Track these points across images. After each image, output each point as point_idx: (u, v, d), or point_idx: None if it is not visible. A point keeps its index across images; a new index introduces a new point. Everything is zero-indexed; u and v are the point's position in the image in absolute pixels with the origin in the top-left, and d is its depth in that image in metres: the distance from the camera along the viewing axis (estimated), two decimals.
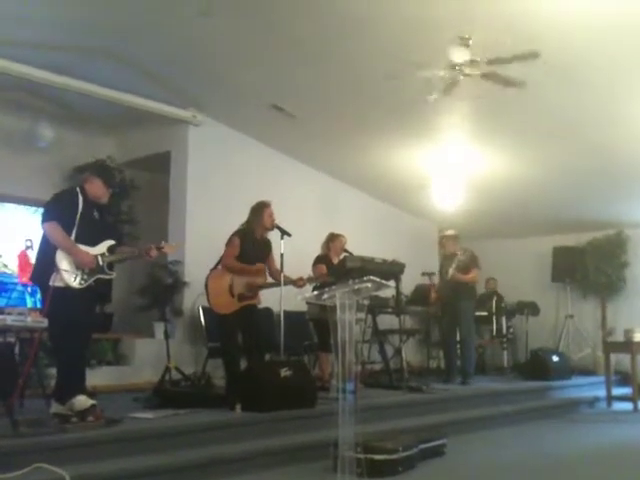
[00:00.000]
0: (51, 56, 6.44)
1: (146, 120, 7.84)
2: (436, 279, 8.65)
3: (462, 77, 5.70)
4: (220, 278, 5.81)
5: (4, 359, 4.71)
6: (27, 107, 7.52)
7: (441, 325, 8.32)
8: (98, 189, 4.81)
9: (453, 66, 5.61)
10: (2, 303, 7.09)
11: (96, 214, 4.80)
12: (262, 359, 5.90)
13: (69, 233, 4.57)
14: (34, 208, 7.38)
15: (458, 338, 7.92)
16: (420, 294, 8.98)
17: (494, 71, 5.54)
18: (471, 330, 7.82)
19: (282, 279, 5.77)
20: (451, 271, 7.56)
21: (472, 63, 5.56)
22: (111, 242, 4.81)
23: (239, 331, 5.79)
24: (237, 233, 5.92)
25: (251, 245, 5.88)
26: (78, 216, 4.62)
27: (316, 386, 5.81)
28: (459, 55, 5.47)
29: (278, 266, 5.90)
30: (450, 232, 8.00)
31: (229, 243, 5.88)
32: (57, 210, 4.62)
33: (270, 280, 6.00)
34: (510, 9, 5.18)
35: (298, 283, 5.94)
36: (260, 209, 5.95)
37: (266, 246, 6.04)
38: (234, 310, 5.73)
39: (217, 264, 5.94)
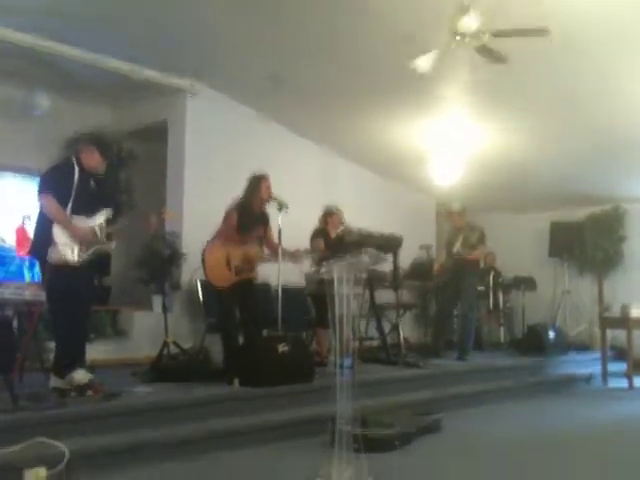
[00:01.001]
0: (48, 23, 6.32)
1: (143, 89, 7.73)
2: (435, 252, 8.60)
3: (459, 47, 5.57)
4: (217, 251, 5.75)
5: (2, 333, 4.70)
6: (23, 75, 7.40)
7: (439, 298, 8.30)
8: (93, 159, 4.78)
9: (454, 35, 5.46)
10: (0, 277, 7.07)
11: (92, 184, 4.78)
12: (259, 334, 5.89)
13: (65, 205, 4.55)
14: (31, 178, 7.31)
15: (456, 313, 7.92)
16: (418, 268, 8.98)
17: (486, 45, 5.41)
18: (473, 306, 7.81)
19: (280, 252, 5.72)
20: (458, 246, 7.53)
21: (475, 33, 5.44)
22: (109, 212, 4.80)
23: (236, 306, 5.78)
24: (235, 207, 5.85)
25: (249, 218, 5.83)
26: (74, 187, 4.60)
27: (314, 361, 5.84)
28: (466, 24, 5.30)
29: (276, 239, 5.86)
30: (457, 206, 7.91)
31: (227, 218, 5.80)
32: (52, 182, 4.60)
33: (267, 252, 5.97)
34: None
35: (295, 255, 5.89)
36: (257, 182, 5.87)
37: (264, 219, 5.99)
38: (231, 283, 5.70)
39: (214, 237, 5.90)
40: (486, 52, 5.40)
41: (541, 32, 4.94)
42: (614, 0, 5.26)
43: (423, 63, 5.47)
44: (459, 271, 7.60)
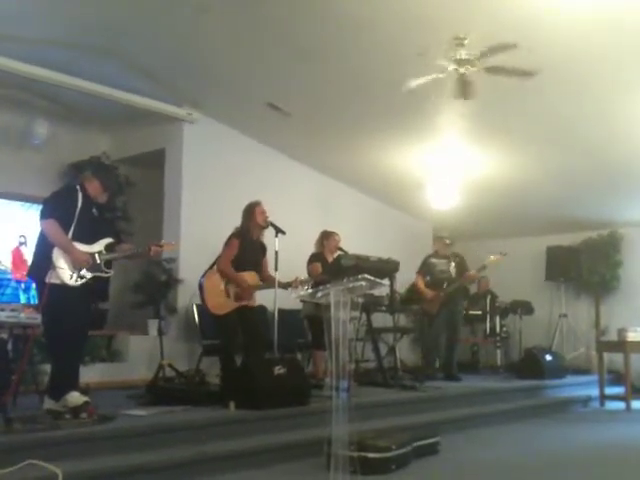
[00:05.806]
0: (47, 53, 6.43)
1: (141, 117, 7.83)
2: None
3: (456, 76, 5.70)
4: (216, 279, 5.79)
5: None
6: (22, 104, 7.50)
7: (432, 324, 8.24)
8: (95, 189, 4.83)
9: (446, 66, 5.62)
10: None
11: (95, 212, 4.81)
12: (260, 358, 5.88)
13: (67, 230, 4.58)
14: (28, 204, 7.37)
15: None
16: (414, 293, 8.95)
17: (506, 65, 5.55)
18: (461, 329, 8.19)
19: (276, 282, 5.75)
20: (455, 274, 7.81)
21: (463, 62, 5.58)
22: (109, 240, 4.82)
23: (237, 330, 5.78)
24: (235, 234, 5.92)
25: (248, 247, 5.89)
26: (77, 213, 4.64)
27: (310, 384, 5.81)
28: (449, 55, 5.52)
29: (272, 265, 5.88)
30: (447, 235, 8.17)
31: (228, 244, 5.86)
32: (55, 207, 4.64)
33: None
34: (506, 9, 5.19)
35: (293, 285, 5.92)
36: (251, 209, 5.98)
37: (262, 249, 6.05)
38: (230, 311, 5.73)
39: (212, 265, 5.93)
40: (502, 72, 5.58)
41: (510, 47, 5.18)
42: (609, 30, 5.34)
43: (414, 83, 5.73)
44: (455, 297, 7.77)
